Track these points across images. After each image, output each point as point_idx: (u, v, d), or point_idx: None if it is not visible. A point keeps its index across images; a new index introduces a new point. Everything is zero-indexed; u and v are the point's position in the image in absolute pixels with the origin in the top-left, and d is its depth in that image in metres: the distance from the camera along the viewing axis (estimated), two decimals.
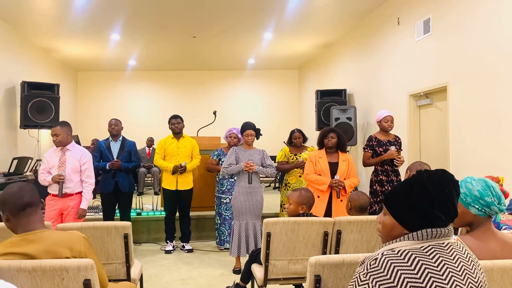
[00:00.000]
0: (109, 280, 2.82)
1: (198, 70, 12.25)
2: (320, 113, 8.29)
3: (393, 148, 4.71)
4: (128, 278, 3.01)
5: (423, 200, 1.35)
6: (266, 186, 10.06)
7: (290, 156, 5.44)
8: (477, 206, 1.84)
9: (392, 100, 6.52)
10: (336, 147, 4.36)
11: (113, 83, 12.19)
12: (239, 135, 5.26)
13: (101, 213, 5.43)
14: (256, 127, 4.66)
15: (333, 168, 4.24)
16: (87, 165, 4.30)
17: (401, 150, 4.91)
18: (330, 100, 8.28)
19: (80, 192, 4.28)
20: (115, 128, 5.18)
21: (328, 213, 4.14)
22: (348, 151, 7.77)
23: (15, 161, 6.62)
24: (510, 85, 4.16)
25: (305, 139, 5.57)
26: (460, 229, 2.91)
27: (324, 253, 3.00)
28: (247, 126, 4.60)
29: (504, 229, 2.74)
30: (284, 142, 9.66)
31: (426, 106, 5.82)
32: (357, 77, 8.10)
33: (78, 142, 9.13)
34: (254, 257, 3.43)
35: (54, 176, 4.14)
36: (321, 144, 4.40)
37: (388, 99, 6.71)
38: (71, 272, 1.90)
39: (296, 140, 5.51)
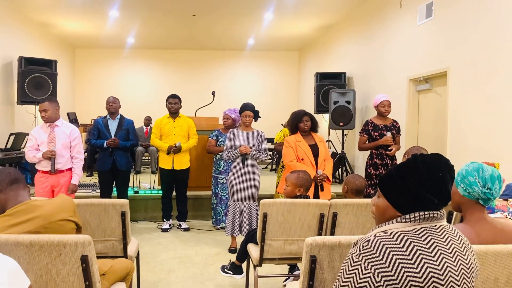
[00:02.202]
0: (106, 257, 2.87)
1: (197, 49, 12.13)
2: (319, 96, 8.26)
3: (389, 134, 4.70)
4: (125, 255, 3.04)
5: (416, 183, 1.35)
6: (263, 168, 10.10)
7: None
8: (462, 185, 1.85)
9: (392, 84, 6.50)
10: (309, 129, 4.31)
11: (112, 61, 12.07)
12: (232, 116, 5.25)
13: (98, 191, 5.45)
14: (256, 109, 4.64)
15: (315, 150, 4.20)
16: (77, 141, 4.30)
17: (399, 134, 4.91)
18: (330, 83, 8.24)
19: (70, 169, 4.29)
20: (113, 105, 5.15)
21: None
22: (346, 134, 7.85)
23: (12, 137, 6.61)
24: (510, 72, 4.14)
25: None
26: (454, 216, 2.94)
27: (319, 234, 3.03)
28: (245, 107, 4.57)
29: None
30: (282, 124, 9.68)
31: (425, 91, 5.80)
32: (357, 60, 8.05)
33: (75, 120, 9.10)
34: (250, 237, 3.46)
35: (46, 152, 4.11)
36: (295, 128, 4.30)
37: (387, 83, 6.69)
38: (69, 247, 1.92)
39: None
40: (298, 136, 4.26)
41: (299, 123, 4.26)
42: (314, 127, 4.32)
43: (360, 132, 4.92)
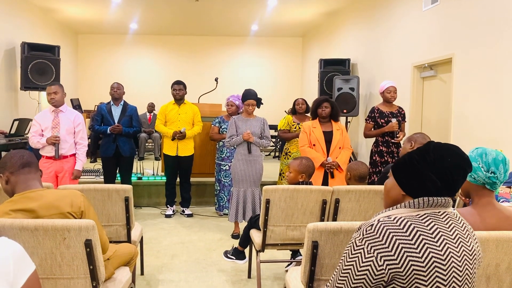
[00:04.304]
0: (110, 242, 2.88)
1: (201, 35, 12.05)
2: (323, 83, 8.20)
3: (394, 120, 4.69)
4: (129, 240, 3.07)
5: (421, 160, 1.38)
6: (266, 155, 10.10)
7: (293, 125, 5.45)
8: None
9: (396, 71, 6.45)
10: (330, 116, 4.33)
11: (114, 47, 12.02)
12: (236, 102, 5.23)
13: (102, 177, 5.48)
14: (258, 96, 4.61)
15: (328, 137, 4.21)
16: (80, 127, 4.33)
17: (405, 121, 4.89)
18: (333, 69, 8.17)
19: (74, 154, 4.31)
20: (117, 91, 5.15)
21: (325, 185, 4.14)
22: (349, 122, 7.82)
23: (16, 123, 6.63)
24: None
25: (308, 108, 5.57)
26: (457, 202, 2.94)
27: (321, 220, 3.04)
28: (248, 95, 4.52)
29: (502, 201, 2.77)
30: (285, 111, 9.66)
31: (430, 78, 5.76)
32: (362, 47, 7.98)
33: (78, 106, 9.10)
34: (253, 223, 3.48)
35: (50, 137, 4.14)
36: (314, 114, 4.34)
37: (392, 69, 6.64)
38: (73, 232, 1.93)
39: (298, 106, 5.54)
40: (315, 122, 4.29)
41: (318, 108, 4.28)
42: (334, 115, 4.32)
43: (366, 119, 4.91)
